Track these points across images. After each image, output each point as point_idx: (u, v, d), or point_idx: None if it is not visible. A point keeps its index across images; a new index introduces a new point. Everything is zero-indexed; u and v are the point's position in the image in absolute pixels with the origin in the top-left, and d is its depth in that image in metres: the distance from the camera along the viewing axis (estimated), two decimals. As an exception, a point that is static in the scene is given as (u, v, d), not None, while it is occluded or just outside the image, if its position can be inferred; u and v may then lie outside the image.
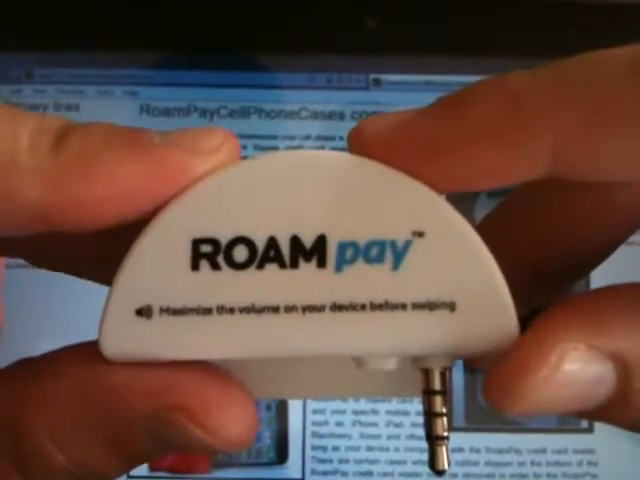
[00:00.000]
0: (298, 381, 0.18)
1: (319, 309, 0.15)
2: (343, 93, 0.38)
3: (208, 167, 0.15)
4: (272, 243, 0.15)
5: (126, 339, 0.15)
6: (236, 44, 0.38)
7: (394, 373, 0.16)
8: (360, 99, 0.38)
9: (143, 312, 0.15)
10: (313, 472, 0.36)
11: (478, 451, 0.36)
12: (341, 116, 0.38)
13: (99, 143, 0.15)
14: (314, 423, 0.36)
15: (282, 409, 0.36)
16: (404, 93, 0.38)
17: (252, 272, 0.15)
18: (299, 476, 0.36)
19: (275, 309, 0.15)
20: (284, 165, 0.15)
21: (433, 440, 0.16)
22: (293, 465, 0.36)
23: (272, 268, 0.15)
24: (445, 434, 0.16)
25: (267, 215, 0.15)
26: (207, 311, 0.15)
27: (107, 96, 0.38)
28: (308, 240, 0.15)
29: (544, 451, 0.36)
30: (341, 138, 0.38)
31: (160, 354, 0.15)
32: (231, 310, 0.15)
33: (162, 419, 0.15)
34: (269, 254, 0.15)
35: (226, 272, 0.15)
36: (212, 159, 0.15)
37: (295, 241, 0.15)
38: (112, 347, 0.15)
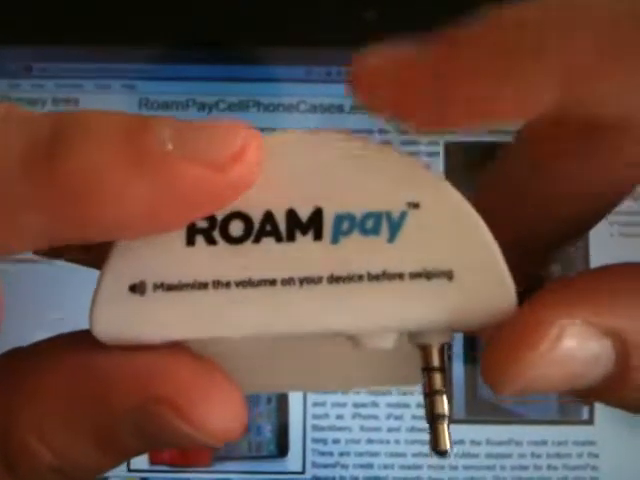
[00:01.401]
0: (290, 373, 0.17)
1: (316, 281, 0.15)
2: (342, 86, 0.38)
3: (229, 183, 0.14)
4: (268, 217, 0.15)
5: (118, 317, 0.15)
6: (234, 38, 0.38)
7: (392, 361, 0.16)
8: (359, 92, 0.38)
9: (137, 288, 0.15)
10: (314, 465, 0.36)
11: (479, 443, 0.36)
12: (340, 109, 0.38)
13: (100, 160, 0.13)
14: (314, 416, 0.36)
15: (282, 402, 0.36)
16: (403, 86, 0.38)
17: (248, 246, 0.15)
18: (300, 469, 0.36)
19: (272, 282, 0.15)
20: (279, 142, 0.15)
21: (434, 419, 0.15)
22: (294, 458, 0.36)
23: (268, 242, 0.15)
24: (446, 412, 0.15)
25: (262, 190, 0.15)
26: (202, 286, 0.15)
27: (106, 90, 0.38)
28: (304, 213, 0.15)
29: (544, 443, 0.36)
30: (340, 131, 0.38)
31: (153, 332, 0.15)
32: (227, 284, 0.15)
33: (148, 412, 0.14)
34: (265, 228, 0.15)
35: (222, 247, 0.15)
36: (234, 172, 0.14)
37: (291, 214, 0.15)
38: (103, 325, 0.15)
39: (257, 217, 0.15)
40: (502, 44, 0.14)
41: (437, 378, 0.15)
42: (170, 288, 0.15)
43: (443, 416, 0.15)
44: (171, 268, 0.15)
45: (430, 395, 0.15)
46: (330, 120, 0.38)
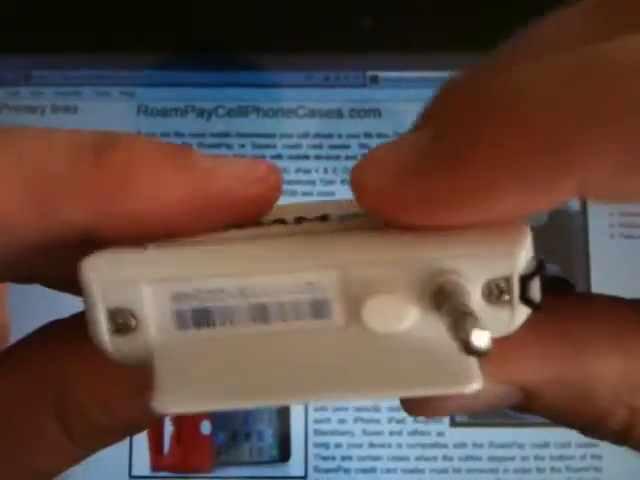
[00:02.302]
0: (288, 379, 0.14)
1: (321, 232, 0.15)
2: (340, 90, 0.38)
3: (252, 195, 0.15)
4: (279, 220, 0.16)
5: (114, 260, 0.14)
6: (233, 43, 0.38)
7: (423, 356, 0.14)
8: (358, 96, 0.38)
9: (139, 246, 0.15)
10: (316, 469, 0.36)
11: (481, 446, 0.36)
12: (339, 114, 0.38)
13: (145, 157, 0.14)
14: (316, 420, 0.36)
15: (284, 407, 0.36)
16: (402, 90, 0.38)
17: (256, 228, 0.15)
18: (302, 474, 0.36)
19: (282, 221, 0.15)
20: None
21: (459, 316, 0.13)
22: (296, 463, 0.36)
23: (276, 226, 0.15)
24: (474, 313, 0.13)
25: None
26: (203, 242, 0.15)
27: (105, 97, 0.38)
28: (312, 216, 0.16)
29: (547, 445, 0.36)
30: (339, 136, 0.38)
31: (147, 273, 0.14)
32: (230, 240, 0.15)
33: None
34: (275, 222, 0.16)
35: (230, 230, 0.15)
36: (256, 188, 0.15)
37: (300, 218, 0.16)
38: (97, 269, 0.14)
39: (268, 221, 0.16)
40: (508, 155, 0.12)
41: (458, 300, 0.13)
42: (172, 245, 0.15)
43: (469, 313, 0.13)
44: (176, 239, 0.15)
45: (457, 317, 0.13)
46: (329, 124, 0.38)
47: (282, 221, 0.16)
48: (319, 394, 0.14)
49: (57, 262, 0.15)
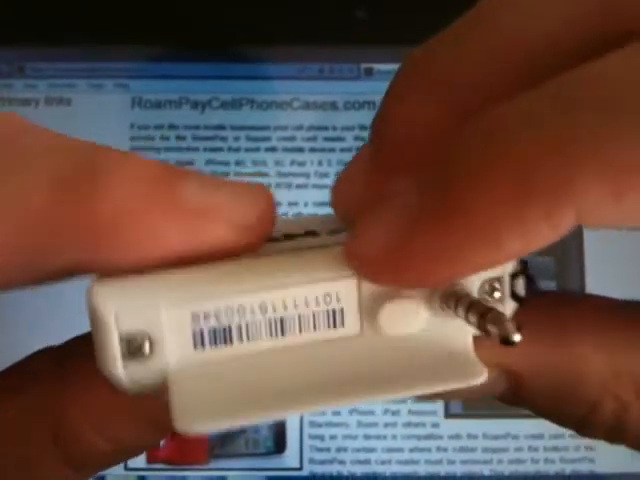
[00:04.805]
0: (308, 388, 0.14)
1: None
2: (335, 83, 0.38)
3: (243, 243, 0.14)
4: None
5: (128, 287, 0.14)
6: (227, 36, 0.38)
7: (431, 355, 0.15)
8: (352, 89, 0.38)
9: (139, 271, 0.14)
10: (311, 461, 0.36)
11: (475, 437, 0.36)
12: (333, 106, 0.38)
13: (138, 199, 0.13)
14: (311, 412, 0.36)
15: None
16: (396, 82, 0.38)
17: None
18: (297, 465, 0.36)
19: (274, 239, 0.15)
20: None
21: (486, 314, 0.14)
22: (291, 454, 0.36)
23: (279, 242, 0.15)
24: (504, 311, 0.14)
25: None
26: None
27: (99, 90, 0.38)
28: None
29: (541, 436, 0.36)
30: (334, 128, 0.38)
31: (169, 296, 0.14)
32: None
33: None
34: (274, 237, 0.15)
35: None
36: (250, 234, 0.14)
37: (288, 235, 0.15)
38: (107, 296, 0.13)
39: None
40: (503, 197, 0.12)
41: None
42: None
43: (493, 309, 0.14)
44: None
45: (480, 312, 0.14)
46: (324, 117, 0.38)
47: (274, 239, 0.15)
48: (337, 400, 0.14)
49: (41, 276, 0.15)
